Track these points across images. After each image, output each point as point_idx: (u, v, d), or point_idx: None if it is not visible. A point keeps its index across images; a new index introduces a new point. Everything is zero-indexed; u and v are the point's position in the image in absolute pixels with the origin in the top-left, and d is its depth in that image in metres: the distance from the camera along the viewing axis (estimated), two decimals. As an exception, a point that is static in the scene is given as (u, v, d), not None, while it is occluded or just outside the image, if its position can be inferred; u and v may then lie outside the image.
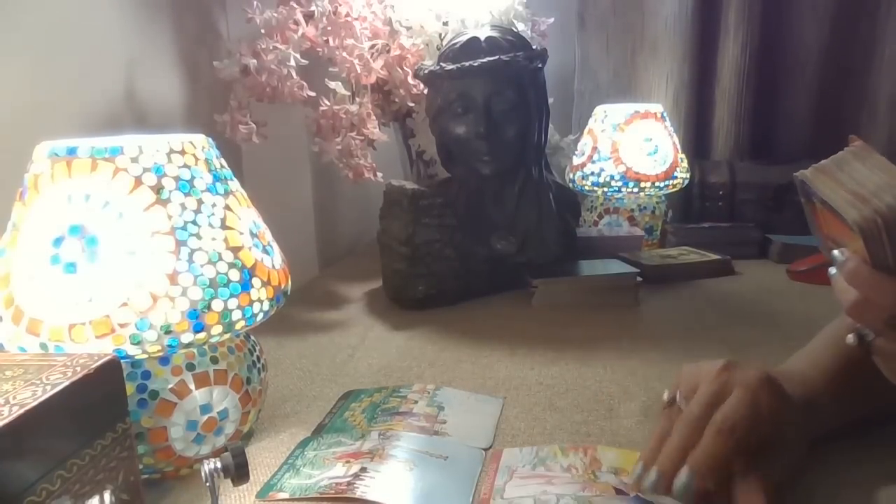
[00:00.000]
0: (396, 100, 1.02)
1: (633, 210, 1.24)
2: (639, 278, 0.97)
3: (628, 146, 1.21)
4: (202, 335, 0.48)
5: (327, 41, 0.92)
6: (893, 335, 0.46)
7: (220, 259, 0.49)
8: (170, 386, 0.50)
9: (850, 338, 0.49)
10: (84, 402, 0.39)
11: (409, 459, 0.53)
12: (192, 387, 0.51)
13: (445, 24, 1.02)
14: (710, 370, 0.52)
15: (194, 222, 0.49)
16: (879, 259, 0.46)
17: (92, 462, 0.39)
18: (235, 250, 0.50)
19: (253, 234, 0.53)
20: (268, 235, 0.57)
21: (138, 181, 0.48)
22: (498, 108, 0.91)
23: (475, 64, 0.89)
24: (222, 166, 0.54)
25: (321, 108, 0.93)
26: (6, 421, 0.34)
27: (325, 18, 0.91)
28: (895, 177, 0.46)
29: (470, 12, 1.02)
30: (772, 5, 1.39)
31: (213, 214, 0.50)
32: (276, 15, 0.91)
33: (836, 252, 0.49)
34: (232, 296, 0.49)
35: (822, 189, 0.48)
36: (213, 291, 0.48)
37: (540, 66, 0.96)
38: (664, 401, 0.54)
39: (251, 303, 0.51)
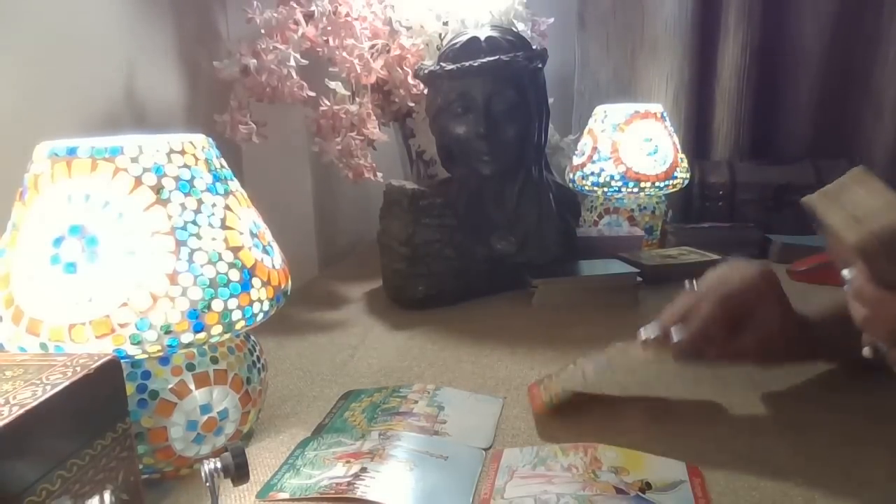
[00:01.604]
0: (396, 100, 1.02)
1: (633, 210, 1.24)
2: (639, 278, 0.97)
3: (628, 146, 1.21)
4: (202, 335, 0.48)
5: (327, 41, 0.92)
6: None
7: (220, 259, 0.49)
8: (170, 386, 0.50)
9: (867, 350, 0.53)
10: (84, 402, 0.39)
11: (409, 459, 0.53)
12: (192, 387, 0.51)
13: (445, 24, 1.02)
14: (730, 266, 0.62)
15: (194, 222, 0.49)
16: (881, 277, 0.49)
17: (92, 462, 0.39)
18: (235, 250, 0.50)
19: (253, 234, 0.53)
20: (268, 235, 0.57)
21: (138, 181, 0.48)
22: (498, 108, 0.91)
23: (475, 64, 0.89)
24: (222, 166, 0.54)
25: (321, 108, 0.93)
26: (6, 421, 0.34)
27: (325, 18, 0.91)
28: (891, 201, 0.48)
29: (470, 12, 1.02)
30: (772, 5, 1.39)
31: (213, 214, 0.50)
32: (276, 15, 0.91)
33: (845, 271, 0.53)
34: (232, 296, 0.49)
35: (825, 213, 0.51)
36: (213, 291, 0.48)
37: (540, 66, 0.96)
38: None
39: (251, 303, 0.51)
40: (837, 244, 0.51)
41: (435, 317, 0.92)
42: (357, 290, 1.07)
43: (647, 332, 0.60)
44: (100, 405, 0.41)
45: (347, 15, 0.92)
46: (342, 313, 0.96)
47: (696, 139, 1.47)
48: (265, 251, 0.54)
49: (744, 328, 0.59)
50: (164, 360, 0.51)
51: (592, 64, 1.51)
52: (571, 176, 1.28)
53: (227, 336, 0.52)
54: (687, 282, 0.64)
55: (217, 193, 0.51)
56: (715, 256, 1.12)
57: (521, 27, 1.05)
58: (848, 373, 0.68)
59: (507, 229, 0.99)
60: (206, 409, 0.52)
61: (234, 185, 0.55)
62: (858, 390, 0.64)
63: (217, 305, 0.48)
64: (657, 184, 1.20)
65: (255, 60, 0.88)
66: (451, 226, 0.96)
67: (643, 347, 0.60)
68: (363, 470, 0.51)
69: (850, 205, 0.50)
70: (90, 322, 0.46)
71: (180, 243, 0.48)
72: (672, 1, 1.41)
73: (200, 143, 0.52)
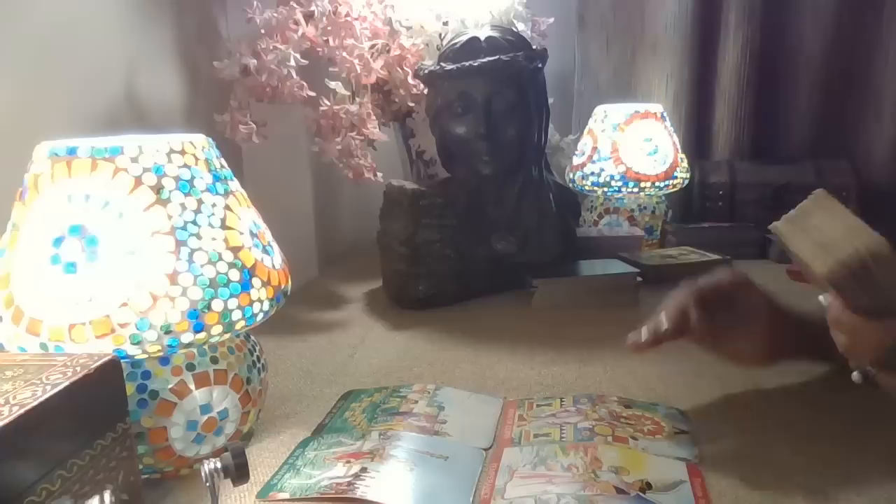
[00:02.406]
0: (396, 100, 1.02)
1: (633, 210, 1.24)
2: (639, 278, 0.97)
3: (628, 146, 1.21)
4: (202, 335, 0.48)
5: (327, 41, 0.92)
6: (884, 370, 0.51)
7: (220, 259, 0.49)
8: (170, 386, 0.50)
9: (856, 376, 0.54)
10: (84, 402, 0.39)
11: (409, 459, 0.53)
12: (192, 387, 0.51)
13: (445, 24, 1.02)
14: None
15: (194, 222, 0.49)
16: (855, 305, 0.50)
17: (92, 462, 0.39)
18: (235, 250, 0.50)
19: (253, 234, 0.53)
20: (268, 235, 0.57)
21: (138, 181, 0.48)
22: (498, 108, 0.91)
23: (475, 64, 0.89)
24: (222, 166, 0.54)
25: (321, 108, 0.93)
26: (6, 421, 0.33)
27: (325, 18, 0.91)
28: (854, 226, 0.48)
29: (470, 12, 1.02)
30: (772, 5, 1.39)
31: (213, 214, 0.50)
32: (276, 15, 0.91)
33: (820, 297, 0.53)
34: (232, 296, 0.49)
35: (791, 241, 0.52)
36: (213, 291, 0.48)
37: (540, 66, 0.96)
38: None
39: (251, 303, 0.51)
40: (809, 272, 0.51)
41: (435, 317, 0.92)
42: (357, 290, 1.07)
43: (635, 336, 0.62)
44: (100, 405, 0.41)
45: (347, 15, 0.92)
46: (342, 313, 0.96)
47: (696, 139, 1.46)
48: (265, 251, 0.54)
49: (730, 322, 0.61)
50: (164, 360, 0.51)
51: (592, 64, 1.51)
52: (571, 176, 1.28)
53: (227, 336, 0.51)
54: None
55: (217, 193, 0.51)
56: (715, 256, 1.12)
57: (521, 27, 1.05)
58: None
59: (507, 229, 0.99)
60: (206, 409, 0.52)
61: (234, 185, 0.55)
62: (859, 390, 0.64)
63: (217, 305, 0.48)
64: (657, 184, 1.20)
65: (255, 60, 0.88)
66: (452, 226, 0.96)
67: (634, 348, 0.61)
68: (363, 470, 0.51)
69: (815, 231, 0.50)
70: (90, 322, 0.46)
71: (180, 243, 0.48)
72: (672, 1, 1.41)
73: (200, 143, 0.52)
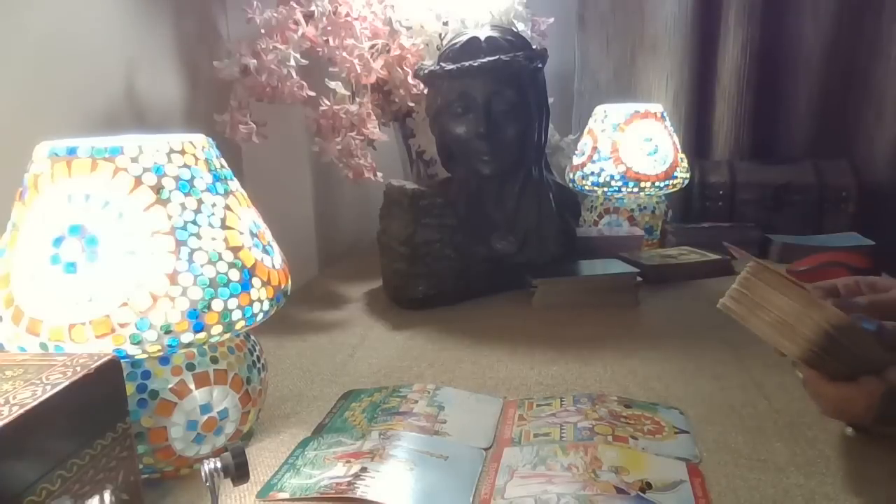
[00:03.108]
0: (396, 100, 1.02)
1: (633, 210, 1.24)
2: (639, 278, 0.97)
3: (628, 146, 1.21)
4: (202, 335, 0.48)
5: (327, 41, 0.92)
6: (880, 426, 0.52)
7: (220, 259, 0.49)
8: (170, 386, 0.50)
9: (849, 431, 0.55)
10: (84, 402, 0.39)
11: (409, 459, 0.53)
12: (192, 387, 0.51)
13: (445, 24, 1.02)
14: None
15: (194, 222, 0.49)
16: (833, 376, 0.50)
17: (92, 462, 0.40)
18: (235, 250, 0.50)
19: (253, 234, 0.53)
20: (268, 235, 0.57)
21: (138, 181, 0.48)
22: (498, 108, 0.91)
23: (475, 64, 0.89)
24: (222, 166, 0.54)
25: (321, 108, 0.93)
26: (6, 421, 0.34)
27: (325, 18, 0.91)
28: (805, 299, 0.48)
29: (470, 12, 1.02)
30: (772, 5, 1.39)
31: (213, 214, 0.50)
32: (276, 15, 0.91)
33: (797, 372, 0.53)
34: (232, 296, 0.49)
35: (748, 322, 0.51)
36: (213, 291, 0.48)
37: (540, 66, 0.96)
38: None
39: (251, 303, 0.51)
40: (775, 347, 0.51)
41: (435, 317, 0.92)
42: (357, 290, 1.07)
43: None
44: (100, 405, 0.41)
45: (347, 15, 0.92)
46: (342, 313, 0.96)
47: (696, 139, 1.47)
48: (265, 251, 0.54)
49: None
50: (164, 360, 0.51)
51: (592, 64, 1.51)
52: (571, 176, 1.28)
53: (227, 336, 0.52)
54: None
55: (217, 193, 0.51)
56: (715, 256, 1.12)
57: (521, 27, 1.05)
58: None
59: (507, 229, 0.99)
60: (206, 408, 0.52)
61: (234, 185, 0.55)
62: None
63: (217, 305, 0.48)
64: (657, 184, 1.20)
65: (255, 60, 0.88)
66: (452, 226, 0.96)
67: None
68: (363, 470, 0.51)
69: (771, 307, 0.49)
70: (90, 322, 0.46)
71: (180, 243, 0.48)
72: (672, 1, 1.41)
73: (200, 143, 0.52)
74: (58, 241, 0.47)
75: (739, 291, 0.51)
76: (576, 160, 1.28)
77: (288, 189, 1.16)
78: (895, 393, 0.48)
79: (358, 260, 1.26)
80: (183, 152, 0.50)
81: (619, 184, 1.20)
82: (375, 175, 0.97)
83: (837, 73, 1.41)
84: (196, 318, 0.48)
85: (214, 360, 0.53)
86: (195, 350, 0.52)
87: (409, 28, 1.01)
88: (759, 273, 0.50)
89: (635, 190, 1.20)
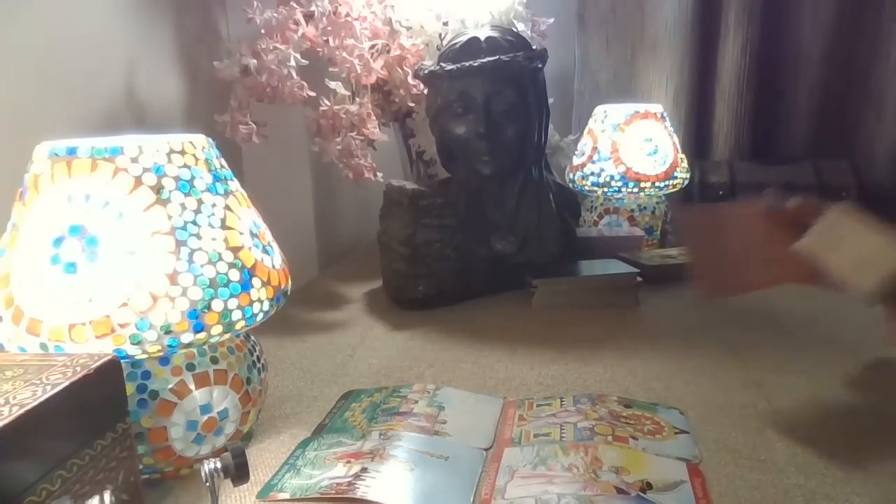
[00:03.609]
0: (396, 100, 1.02)
1: (633, 210, 1.24)
2: (639, 278, 0.97)
3: (628, 146, 1.20)
4: (202, 335, 0.48)
5: (327, 41, 0.92)
6: None
7: (220, 259, 0.49)
8: (170, 386, 0.50)
9: None
10: (84, 402, 0.39)
11: (409, 460, 0.53)
12: (192, 387, 0.51)
13: (445, 24, 1.02)
14: None
15: (194, 222, 0.49)
16: None
17: (92, 462, 0.39)
18: (235, 250, 0.50)
19: (253, 234, 0.53)
20: (268, 235, 0.57)
21: (138, 181, 0.48)
22: (498, 108, 0.91)
23: (475, 64, 0.89)
24: (222, 166, 0.54)
25: (321, 108, 0.93)
26: (6, 421, 0.33)
27: (325, 18, 0.91)
28: (888, 239, 0.50)
29: (470, 12, 1.02)
30: (772, 5, 1.39)
31: (213, 214, 0.50)
32: (276, 15, 0.91)
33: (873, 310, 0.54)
34: (232, 296, 0.49)
35: (826, 259, 0.53)
36: (213, 291, 0.48)
37: (540, 66, 0.96)
38: None
39: (251, 303, 0.51)
40: (849, 287, 0.52)
41: (435, 317, 0.92)
42: (357, 290, 1.07)
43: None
44: (100, 405, 0.41)
45: (347, 15, 0.92)
46: (342, 313, 0.96)
47: (696, 139, 1.47)
48: (265, 251, 0.54)
49: None
50: (164, 360, 0.51)
51: (592, 64, 1.51)
52: (571, 176, 1.28)
53: (227, 336, 0.52)
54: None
55: (217, 193, 0.51)
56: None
57: (521, 27, 1.05)
58: (849, 372, 0.68)
59: (507, 229, 0.99)
60: (206, 409, 0.52)
61: (234, 185, 0.55)
62: (860, 390, 0.64)
63: (217, 305, 0.48)
64: (657, 184, 1.20)
65: (255, 60, 0.88)
66: (452, 226, 0.96)
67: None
68: (363, 470, 0.51)
69: (849, 246, 0.51)
70: (90, 322, 0.46)
71: (180, 243, 0.48)
72: (672, 1, 1.41)
73: (200, 143, 0.52)
74: (58, 242, 0.47)
75: (821, 232, 0.53)
76: (576, 160, 1.27)
77: (288, 189, 1.16)
78: None
79: (358, 260, 1.26)
80: (183, 152, 0.50)
81: (619, 184, 1.20)
82: (375, 175, 0.97)
83: (837, 73, 1.41)
84: (196, 318, 0.48)
85: (214, 361, 0.53)
86: (195, 350, 0.52)
87: (409, 28, 1.01)
88: (842, 214, 0.53)
89: (635, 190, 1.20)
